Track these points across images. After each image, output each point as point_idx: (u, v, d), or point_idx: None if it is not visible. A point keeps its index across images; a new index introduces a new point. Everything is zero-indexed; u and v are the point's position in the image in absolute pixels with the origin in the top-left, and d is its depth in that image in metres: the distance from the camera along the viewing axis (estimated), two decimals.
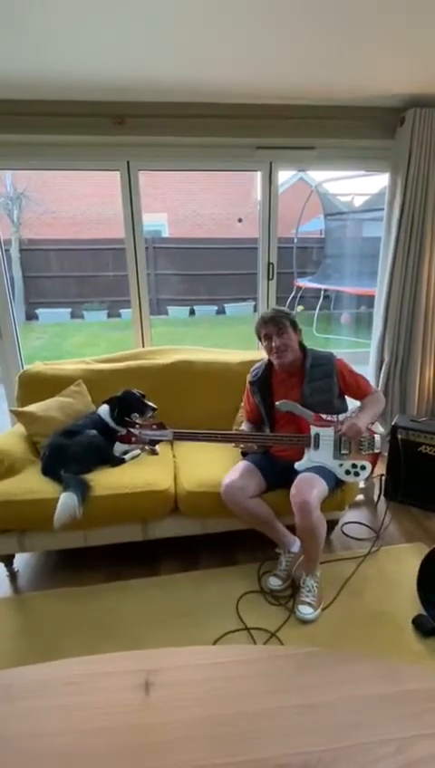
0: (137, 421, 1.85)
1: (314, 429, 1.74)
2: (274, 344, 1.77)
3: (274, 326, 1.76)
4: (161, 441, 1.79)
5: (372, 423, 1.83)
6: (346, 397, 1.86)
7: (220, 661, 0.93)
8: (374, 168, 2.68)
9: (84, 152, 2.32)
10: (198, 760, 0.74)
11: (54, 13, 1.43)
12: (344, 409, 1.83)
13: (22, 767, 0.74)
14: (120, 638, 1.56)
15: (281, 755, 0.74)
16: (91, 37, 1.59)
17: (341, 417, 1.78)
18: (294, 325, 1.80)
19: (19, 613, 1.70)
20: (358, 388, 1.82)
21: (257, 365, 1.94)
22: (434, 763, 0.73)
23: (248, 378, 1.94)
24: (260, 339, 1.83)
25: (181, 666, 0.92)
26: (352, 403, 1.87)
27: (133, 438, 1.76)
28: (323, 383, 1.77)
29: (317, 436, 1.74)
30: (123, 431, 1.79)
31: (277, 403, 1.76)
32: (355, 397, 1.84)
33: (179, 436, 1.80)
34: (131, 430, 1.76)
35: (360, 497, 2.40)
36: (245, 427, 1.98)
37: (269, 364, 1.88)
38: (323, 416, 1.76)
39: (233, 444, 1.80)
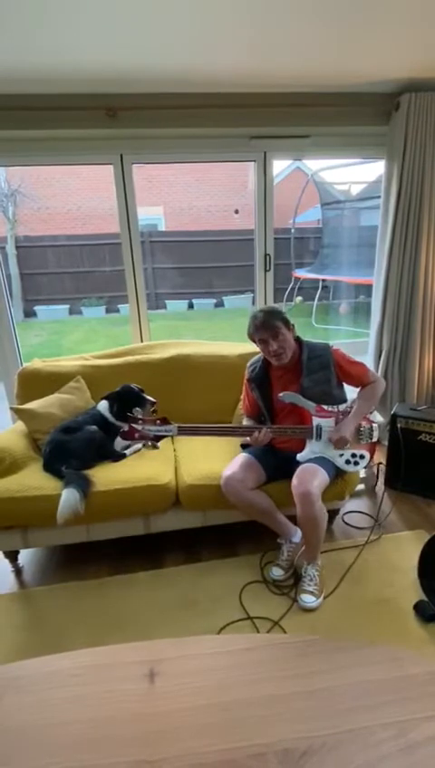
0: (139, 417, 1.82)
1: (315, 420, 1.74)
2: (271, 348, 1.74)
3: (268, 331, 1.72)
4: (165, 437, 1.78)
5: (370, 413, 1.83)
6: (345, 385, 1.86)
7: (224, 650, 0.94)
8: (370, 155, 2.66)
9: (77, 146, 2.30)
10: (203, 746, 0.75)
11: (43, 2, 1.40)
12: (343, 398, 1.83)
13: (32, 756, 0.75)
14: (124, 630, 1.58)
15: (285, 740, 0.76)
16: (82, 27, 1.56)
17: (341, 407, 1.78)
18: (287, 324, 1.76)
19: (25, 608, 1.71)
20: (355, 378, 1.82)
21: (254, 360, 1.92)
22: None
23: (246, 375, 1.93)
24: (255, 342, 1.78)
25: (185, 655, 0.93)
26: (351, 392, 1.87)
27: (136, 435, 1.74)
28: (321, 374, 1.77)
29: (319, 427, 1.74)
30: (124, 426, 1.77)
31: (281, 394, 1.75)
32: (354, 385, 1.84)
33: (184, 431, 1.77)
34: (135, 426, 1.74)
35: (360, 487, 2.41)
36: (246, 423, 1.98)
37: (266, 359, 1.87)
38: (325, 407, 1.76)
39: (249, 437, 1.76)
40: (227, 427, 1.85)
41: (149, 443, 1.97)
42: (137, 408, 1.95)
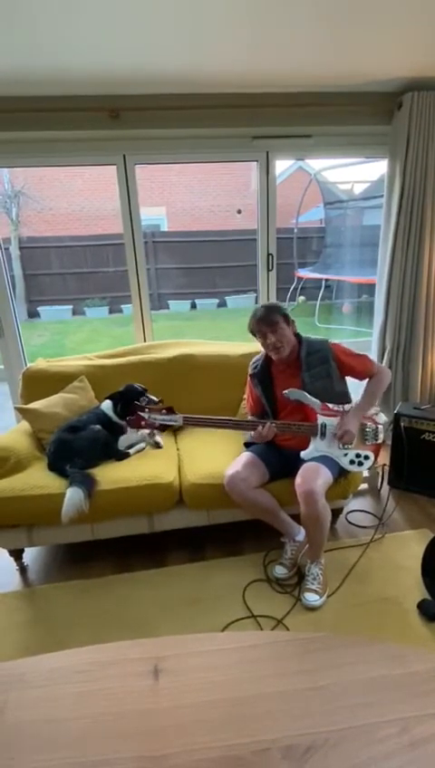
0: (146, 405, 1.83)
1: (320, 419, 1.75)
2: (269, 341, 1.76)
3: (267, 325, 1.75)
4: (171, 426, 1.79)
5: (375, 413, 1.83)
6: (347, 381, 1.86)
7: (227, 647, 0.95)
8: (373, 154, 2.66)
9: (80, 147, 2.31)
10: (207, 742, 0.76)
11: (47, 4, 1.41)
12: (346, 393, 1.83)
13: (37, 751, 0.76)
14: (128, 628, 1.58)
15: (288, 736, 0.76)
16: (86, 30, 1.57)
17: (346, 407, 1.78)
18: (287, 319, 1.79)
19: (30, 606, 1.72)
20: (360, 370, 1.81)
21: (257, 357, 1.94)
22: None
23: (249, 371, 1.95)
24: (255, 336, 1.81)
25: (189, 652, 0.94)
26: (353, 386, 1.87)
27: (143, 422, 1.75)
28: (321, 369, 1.77)
29: (324, 425, 1.74)
30: (128, 425, 1.79)
31: (286, 392, 1.75)
32: (360, 378, 1.84)
33: (189, 421, 1.79)
34: (141, 414, 1.75)
35: (364, 486, 2.41)
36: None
37: (268, 356, 1.88)
38: (330, 405, 1.76)
39: (252, 430, 1.78)
40: (232, 419, 1.85)
41: (153, 441, 1.99)
42: (143, 397, 1.97)
